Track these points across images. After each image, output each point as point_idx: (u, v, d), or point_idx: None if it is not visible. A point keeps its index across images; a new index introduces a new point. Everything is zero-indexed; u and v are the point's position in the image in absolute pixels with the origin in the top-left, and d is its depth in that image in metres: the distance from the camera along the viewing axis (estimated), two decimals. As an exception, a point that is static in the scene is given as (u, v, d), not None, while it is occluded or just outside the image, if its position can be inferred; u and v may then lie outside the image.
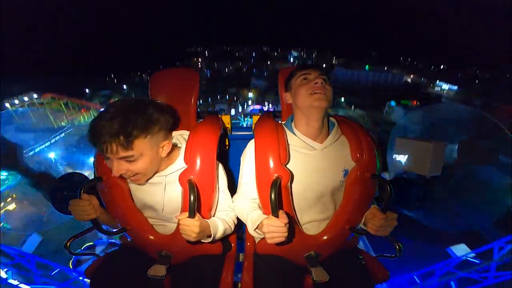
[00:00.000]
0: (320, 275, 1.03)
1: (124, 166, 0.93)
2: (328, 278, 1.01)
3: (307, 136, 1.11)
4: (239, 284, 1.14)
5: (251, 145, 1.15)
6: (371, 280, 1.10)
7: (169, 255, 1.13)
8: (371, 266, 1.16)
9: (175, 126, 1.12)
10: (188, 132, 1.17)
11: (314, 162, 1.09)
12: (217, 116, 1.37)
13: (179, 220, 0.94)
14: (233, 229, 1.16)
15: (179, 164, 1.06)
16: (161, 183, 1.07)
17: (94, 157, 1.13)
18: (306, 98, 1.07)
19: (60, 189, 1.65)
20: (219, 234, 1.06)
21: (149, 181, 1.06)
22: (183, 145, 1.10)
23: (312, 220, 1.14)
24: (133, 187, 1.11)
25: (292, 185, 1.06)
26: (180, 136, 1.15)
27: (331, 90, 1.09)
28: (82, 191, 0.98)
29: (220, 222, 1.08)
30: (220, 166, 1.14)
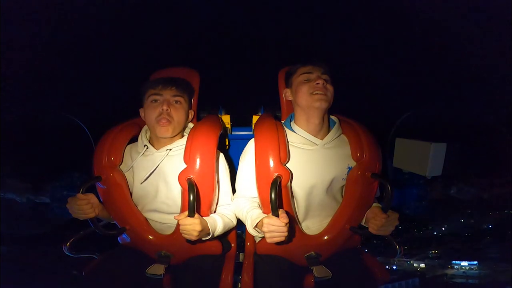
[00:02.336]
0: (322, 272, 1.02)
1: (170, 105, 1.10)
2: (331, 275, 1.01)
3: (307, 132, 1.11)
4: (239, 284, 1.13)
5: (251, 144, 1.15)
6: (371, 281, 1.10)
7: (169, 255, 1.12)
8: (371, 266, 1.16)
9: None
10: (192, 124, 1.24)
11: (315, 157, 1.09)
12: (217, 116, 1.37)
13: (178, 220, 0.93)
14: (234, 223, 1.17)
15: (182, 141, 1.13)
16: (163, 157, 1.12)
17: (93, 157, 1.13)
18: (306, 97, 1.07)
19: (60, 189, 1.64)
20: (218, 230, 1.06)
21: (152, 156, 1.13)
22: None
23: (313, 218, 1.14)
24: (134, 173, 1.15)
25: (293, 182, 1.06)
26: (187, 128, 1.24)
27: (332, 91, 1.09)
28: (81, 190, 0.98)
29: (220, 219, 1.08)
30: (222, 158, 1.16)
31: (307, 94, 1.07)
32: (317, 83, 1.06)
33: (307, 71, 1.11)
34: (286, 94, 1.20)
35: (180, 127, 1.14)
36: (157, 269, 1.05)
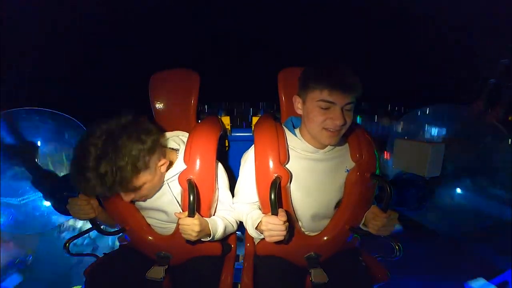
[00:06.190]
0: (319, 277, 1.03)
1: (132, 195, 0.96)
2: (327, 280, 1.01)
3: (310, 144, 1.07)
4: (239, 286, 1.14)
5: (251, 150, 1.13)
6: (370, 281, 1.10)
7: (168, 256, 1.12)
8: (370, 266, 1.16)
9: (167, 131, 1.17)
10: (186, 133, 1.19)
11: (317, 164, 1.08)
12: (216, 117, 1.38)
13: (178, 220, 0.94)
14: (235, 227, 1.16)
15: (178, 167, 1.05)
16: (167, 189, 1.07)
17: None
18: (318, 130, 0.97)
19: (60, 190, 1.64)
20: (219, 232, 1.06)
21: None
22: (181, 147, 1.10)
23: (312, 221, 1.14)
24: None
25: (292, 185, 1.06)
26: (177, 138, 1.15)
27: (351, 121, 0.95)
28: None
29: (220, 221, 1.08)
30: (220, 166, 1.14)
31: (319, 126, 0.95)
32: (335, 122, 0.91)
33: (328, 100, 0.91)
34: (296, 105, 1.04)
35: (158, 188, 1.04)
36: (157, 272, 1.05)
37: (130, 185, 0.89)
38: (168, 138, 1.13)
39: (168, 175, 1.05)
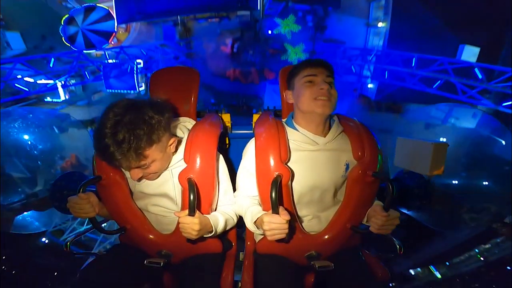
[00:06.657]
0: (323, 263, 1.02)
1: (140, 172, 0.98)
2: (332, 266, 1.01)
3: (308, 131, 1.10)
4: (239, 283, 1.14)
5: (251, 143, 1.14)
6: (371, 280, 1.09)
7: (169, 254, 1.12)
8: (371, 265, 1.16)
9: (176, 116, 1.17)
10: (192, 121, 1.21)
11: (317, 157, 1.08)
12: (217, 114, 1.37)
13: (179, 218, 0.93)
14: (235, 221, 1.16)
15: (181, 154, 1.06)
16: (169, 176, 1.08)
17: (94, 156, 1.13)
18: (309, 102, 1.04)
19: (60, 188, 1.65)
20: (220, 227, 1.06)
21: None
22: (185, 135, 1.10)
23: (314, 216, 1.13)
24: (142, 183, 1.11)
25: (295, 180, 1.06)
26: (182, 125, 1.16)
27: (336, 95, 1.06)
28: (80, 190, 0.98)
29: (221, 216, 1.08)
30: (221, 159, 1.15)
31: (310, 99, 1.03)
32: (322, 88, 1.02)
33: (310, 73, 1.06)
34: (287, 97, 1.16)
35: (164, 168, 1.04)
36: (157, 259, 1.05)
37: (143, 158, 0.92)
38: (175, 125, 1.14)
39: (172, 161, 1.06)
